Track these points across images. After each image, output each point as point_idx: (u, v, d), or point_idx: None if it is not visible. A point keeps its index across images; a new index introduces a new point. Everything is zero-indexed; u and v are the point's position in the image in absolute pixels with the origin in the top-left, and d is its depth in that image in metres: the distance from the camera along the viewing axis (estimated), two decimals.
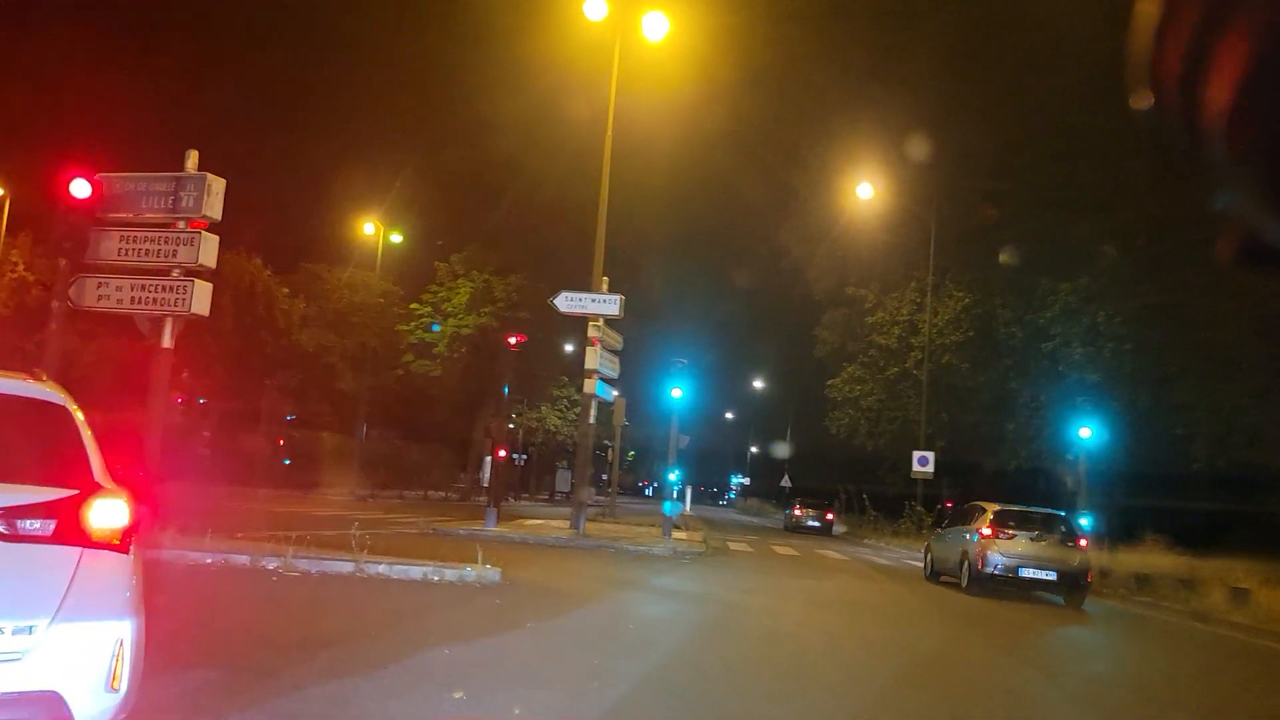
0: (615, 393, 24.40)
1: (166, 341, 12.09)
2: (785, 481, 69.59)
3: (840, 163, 40.29)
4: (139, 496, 3.92)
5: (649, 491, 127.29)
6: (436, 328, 50.88)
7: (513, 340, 21.92)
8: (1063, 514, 18.22)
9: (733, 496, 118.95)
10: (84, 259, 12.29)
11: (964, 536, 17.24)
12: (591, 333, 21.45)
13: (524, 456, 64.22)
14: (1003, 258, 35.56)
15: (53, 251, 11.71)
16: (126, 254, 12.29)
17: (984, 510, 17.33)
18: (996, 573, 16.11)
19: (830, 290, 45.96)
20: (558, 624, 9.08)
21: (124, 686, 3.59)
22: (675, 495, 24.60)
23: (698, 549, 21.17)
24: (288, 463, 43.05)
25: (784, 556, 23.78)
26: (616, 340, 22.53)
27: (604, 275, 22.35)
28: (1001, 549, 16.16)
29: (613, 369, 22.41)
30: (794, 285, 50.18)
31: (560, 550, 19.13)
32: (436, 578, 11.45)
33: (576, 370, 60.54)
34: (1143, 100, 1.17)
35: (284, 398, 41.70)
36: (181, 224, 12.09)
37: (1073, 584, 16.05)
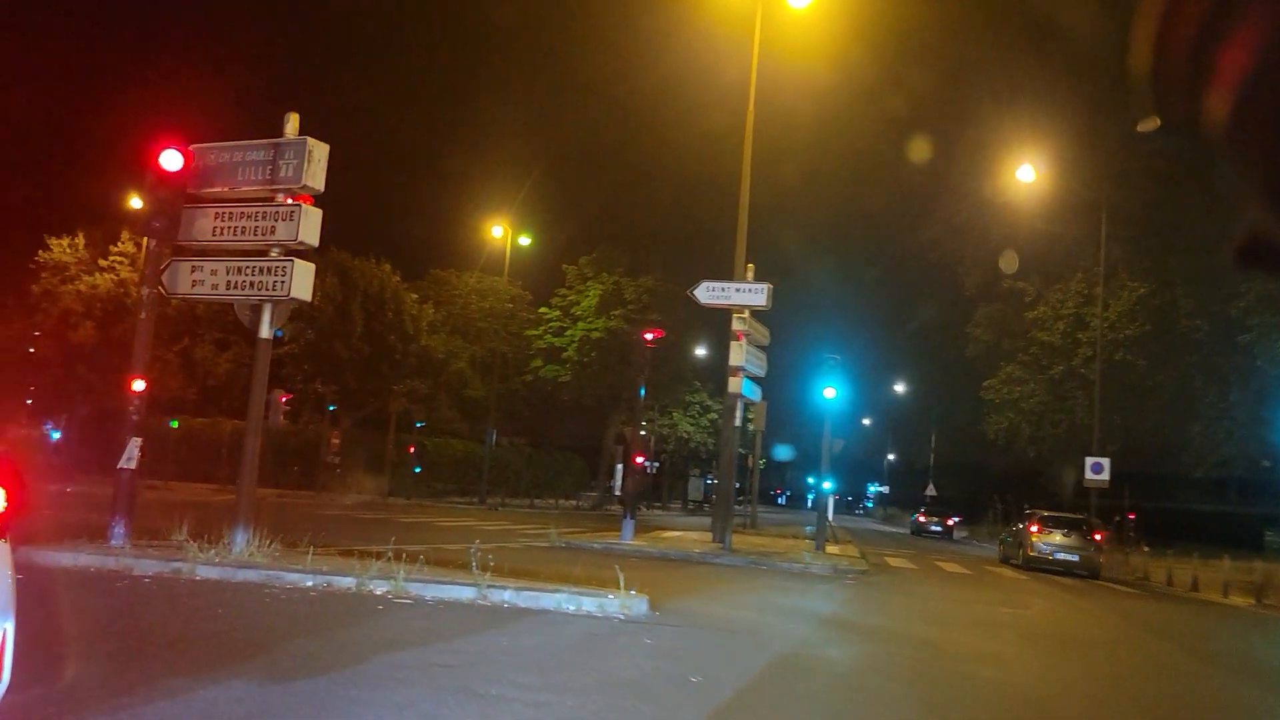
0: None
1: (264, 331, 10.59)
2: (930, 490, 65.94)
3: (997, 145, 37.03)
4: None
5: (782, 499, 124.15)
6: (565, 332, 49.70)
7: (649, 336, 20.00)
8: (1083, 517, 26.09)
9: (870, 506, 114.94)
10: (176, 239, 10.92)
11: (1020, 532, 25.59)
12: (736, 326, 19.34)
13: (656, 464, 62.43)
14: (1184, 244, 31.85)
15: (142, 231, 10.32)
16: (221, 233, 10.87)
17: (1031, 514, 26.06)
18: (1038, 555, 23.91)
19: (983, 284, 42.56)
20: (730, 679, 7.00)
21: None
22: (828, 505, 22.20)
23: (859, 566, 18.79)
24: (418, 471, 42.33)
25: (954, 575, 21.14)
26: (764, 335, 20.36)
27: (749, 263, 20.23)
28: (1043, 540, 24.08)
29: (760, 366, 20.25)
30: (941, 279, 46.97)
31: (707, 568, 17.06)
32: (572, 607, 9.53)
33: (708, 375, 58.74)
34: (1149, 123, 1.21)
35: (413, 404, 40.92)
36: (281, 196, 10.58)
37: (1089, 565, 23.77)
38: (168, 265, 11.07)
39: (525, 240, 46.26)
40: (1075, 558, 23.45)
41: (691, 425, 62.81)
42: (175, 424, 36.35)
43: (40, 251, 40.68)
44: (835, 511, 71.65)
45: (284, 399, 13.71)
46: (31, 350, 42.33)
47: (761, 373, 20.43)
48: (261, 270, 10.50)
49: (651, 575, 14.79)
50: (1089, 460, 32.69)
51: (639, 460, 20.32)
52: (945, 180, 42.83)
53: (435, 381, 45.78)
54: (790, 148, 30.45)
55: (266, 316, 10.56)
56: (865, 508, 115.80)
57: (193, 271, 10.96)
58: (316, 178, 10.51)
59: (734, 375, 19.25)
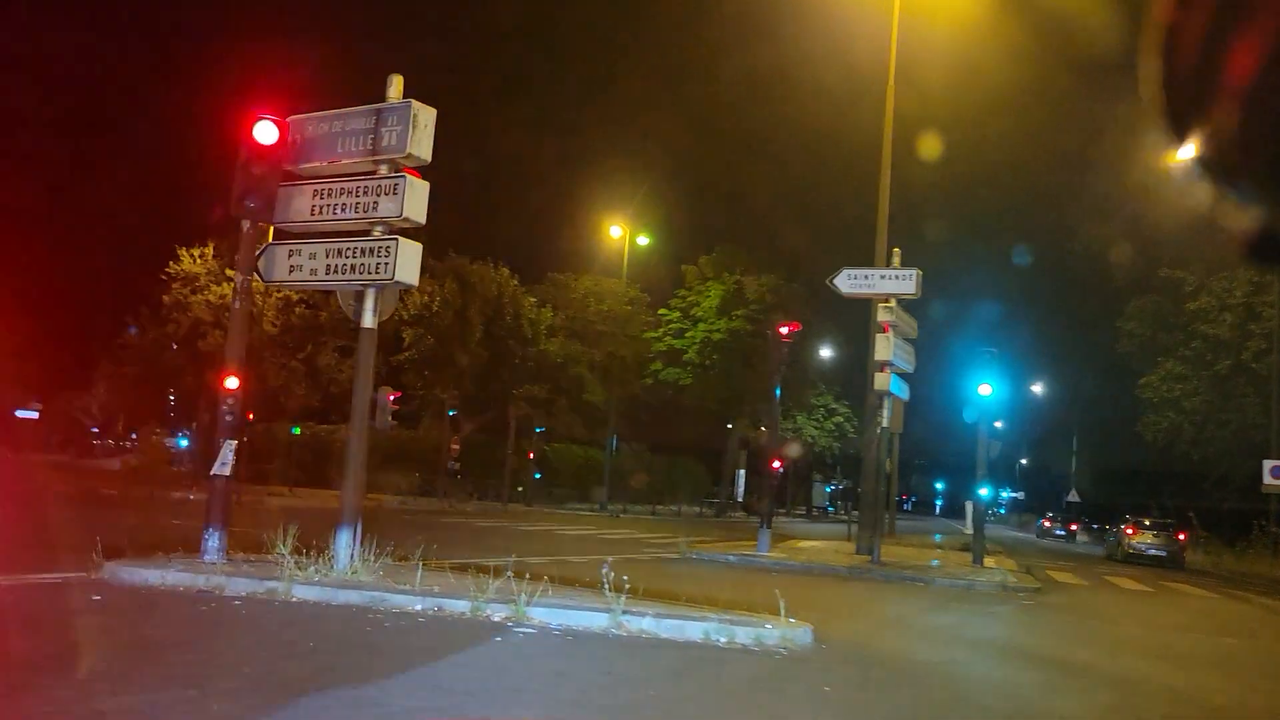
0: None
1: (368, 319, 9.38)
2: (1072, 496, 62.02)
3: (1150, 122, 33.89)
4: None
5: (908, 505, 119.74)
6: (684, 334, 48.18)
7: (785, 329, 18.28)
8: (1170, 520, 31.97)
9: (1002, 511, 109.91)
10: (272, 220, 9.84)
11: (1119, 533, 31.87)
12: (882, 316, 17.49)
13: (780, 469, 60.35)
14: None
15: (235, 212, 9.23)
16: (320, 211, 9.73)
17: (1128, 518, 31.91)
18: (1133, 552, 30.06)
19: (1137, 274, 39.28)
20: None
21: None
22: (980, 514, 20.08)
23: (1028, 583, 16.67)
24: (538, 477, 41.48)
25: (1133, 592, 18.77)
26: (911, 326, 18.44)
27: (894, 248, 18.37)
28: (1137, 540, 30.47)
29: (908, 361, 18.34)
30: (1085, 270, 43.74)
31: (860, 586, 15.27)
32: (723, 639, 7.98)
33: (833, 377, 56.46)
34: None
35: (532, 409, 40.08)
36: (384, 168, 9.37)
37: (1174, 560, 29.70)
38: (264, 250, 10.01)
39: (643, 240, 45.00)
40: (1163, 553, 29.94)
41: (816, 429, 60.55)
42: (298, 430, 36.29)
43: (170, 263, 41.37)
44: (959, 517, 68.21)
45: (392, 396, 12.57)
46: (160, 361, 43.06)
47: (910, 367, 18.51)
48: (363, 252, 9.31)
49: (801, 594, 13.13)
50: (1267, 464, 29.50)
51: (776, 465, 18.66)
52: (1092, 161, 39.71)
53: (554, 386, 44.96)
54: (934, 126, 28.23)
55: (370, 303, 9.36)
56: (998, 513, 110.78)
57: (290, 256, 9.86)
58: (422, 146, 9.26)
59: (880, 371, 17.40)
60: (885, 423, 17.54)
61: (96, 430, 65.36)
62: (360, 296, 9.52)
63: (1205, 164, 1.20)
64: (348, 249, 9.49)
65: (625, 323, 47.74)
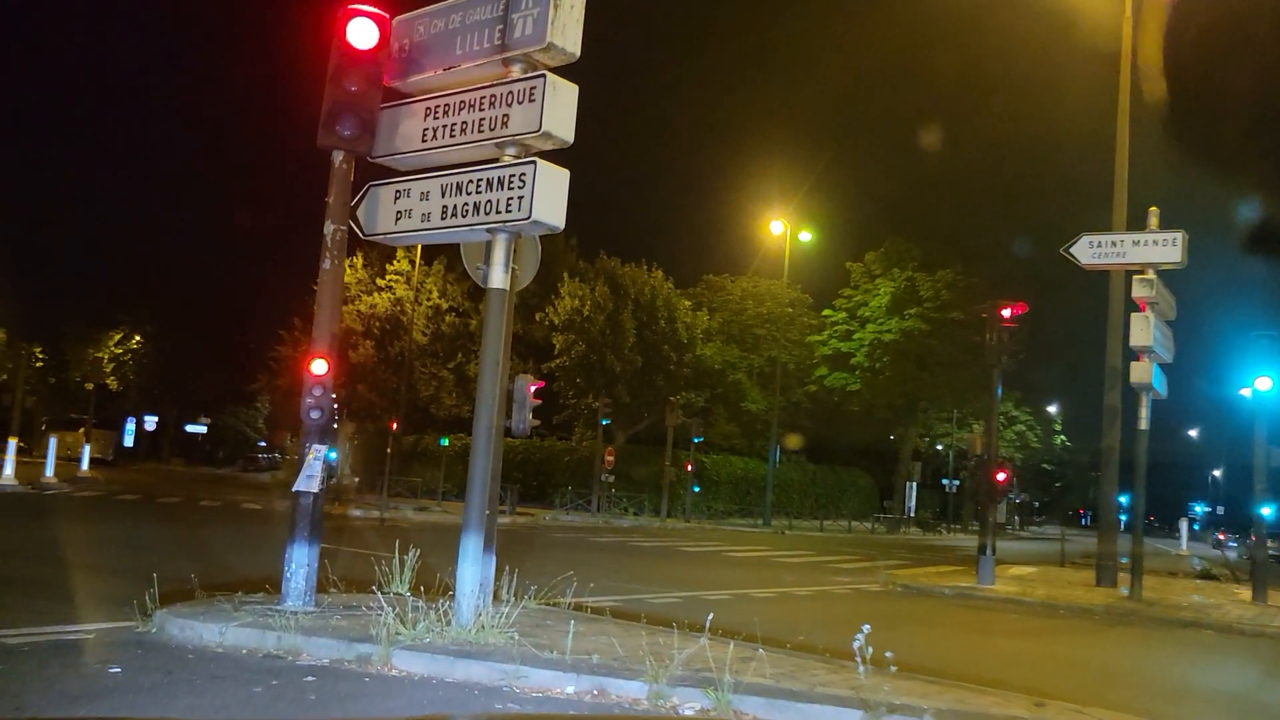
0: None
1: (497, 276, 6.80)
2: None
3: None
4: None
5: (1085, 520, 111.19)
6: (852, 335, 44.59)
7: (1007, 311, 14.92)
8: None
9: (1196, 529, 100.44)
10: (370, 150, 7.40)
11: None
12: (1139, 292, 13.92)
13: (955, 482, 55.75)
14: None
15: (323, 141, 6.82)
16: (435, 136, 7.24)
17: None
18: None
19: None
20: None
21: None
22: (1265, 537, 16.11)
23: None
24: (696, 490, 38.76)
25: None
26: (1171, 305, 14.77)
27: (1151, 207, 14.74)
28: None
29: (1168, 349, 14.70)
30: None
31: (1128, 633, 11.84)
32: None
33: (1012, 382, 51.50)
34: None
35: (689, 418, 37.40)
36: (516, 68, 6.80)
37: None
38: (364, 194, 7.60)
39: (806, 236, 41.64)
40: None
41: (966, 439, 55.61)
42: (446, 441, 34.71)
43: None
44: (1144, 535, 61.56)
45: (534, 387, 10.10)
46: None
47: (1170, 357, 14.85)
48: (490, 184, 6.77)
49: (1065, 651, 9.89)
50: None
51: (1001, 478, 15.29)
52: None
53: (711, 393, 42.25)
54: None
55: (500, 253, 6.79)
56: (1192, 530, 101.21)
57: (396, 199, 7.42)
58: (567, 34, 6.66)
59: (1138, 359, 13.84)
60: (1145, 423, 13.94)
61: (262, 444, 66.50)
62: (488, 247, 6.97)
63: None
64: (470, 183, 6.95)
65: (786, 326, 44.57)
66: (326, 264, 7.25)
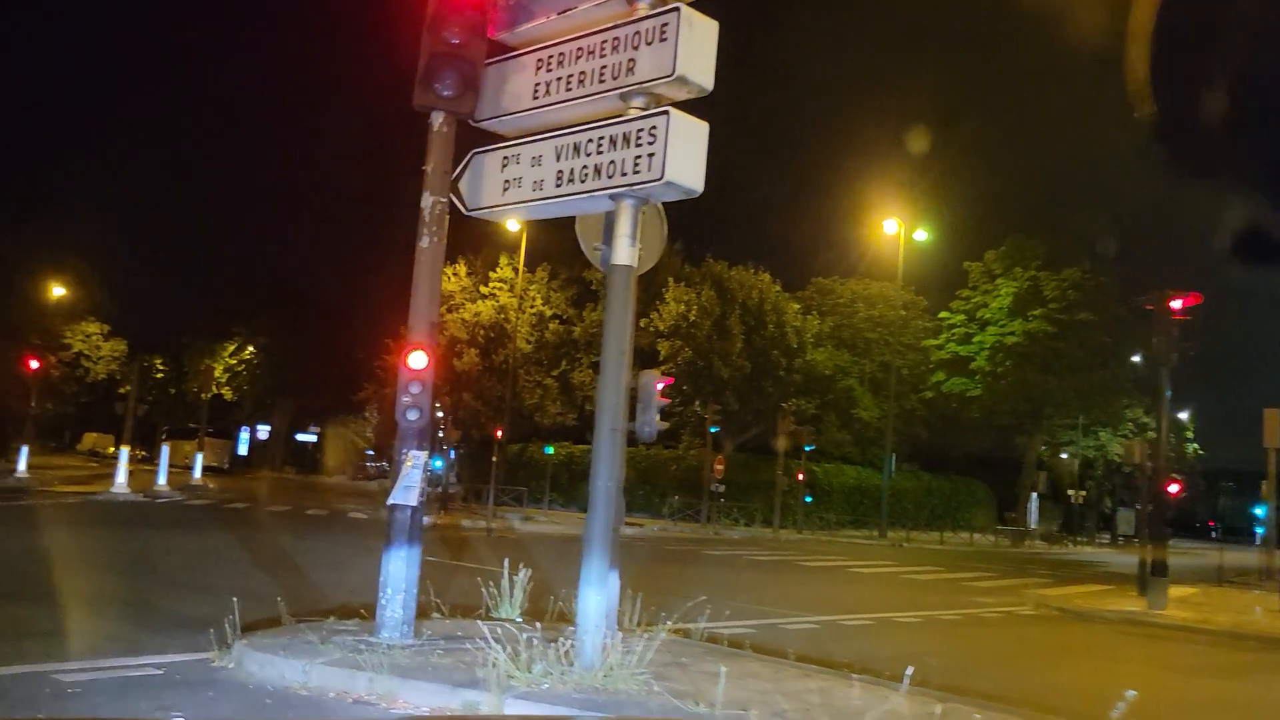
0: None
1: (622, 251, 5.72)
2: None
3: None
4: None
5: (1214, 533, 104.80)
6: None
7: (1177, 303, 13.24)
8: None
9: (1261, 532, 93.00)
10: (473, 112, 6.42)
11: None
12: None
13: (1082, 492, 52.71)
14: None
15: (420, 100, 5.87)
16: (548, 91, 6.24)
17: None
18: None
19: None
20: None
21: None
22: None
23: None
24: (809, 500, 37.24)
25: None
26: None
27: None
28: None
29: None
30: None
31: None
32: None
33: (1145, 388, 48.40)
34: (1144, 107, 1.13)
35: (799, 425, 35.95)
36: (643, 3, 5.75)
37: None
38: (467, 162, 6.64)
39: (921, 235, 39.70)
40: None
41: (1123, 447, 52.40)
42: (551, 450, 34.01)
43: None
44: (1187, 540, 57.31)
45: (661, 384, 9.16)
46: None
47: None
48: (614, 142, 5.74)
49: None
50: None
51: (1173, 489, 13.61)
52: None
53: (822, 400, 40.66)
54: None
55: (626, 224, 5.73)
56: (1257, 537, 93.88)
57: (504, 166, 6.44)
58: None
59: None
60: None
61: (370, 452, 67.28)
62: (609, 220, 5.92)
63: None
64: (590, 142, 5.91)
65: (899, 329, 42.68)
66: (424, 241, 6.29)
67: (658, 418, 6.92)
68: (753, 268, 38.46)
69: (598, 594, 5.53)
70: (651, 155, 5.58)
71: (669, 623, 6.63)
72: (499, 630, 5.52)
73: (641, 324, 36.31)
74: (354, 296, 53.83)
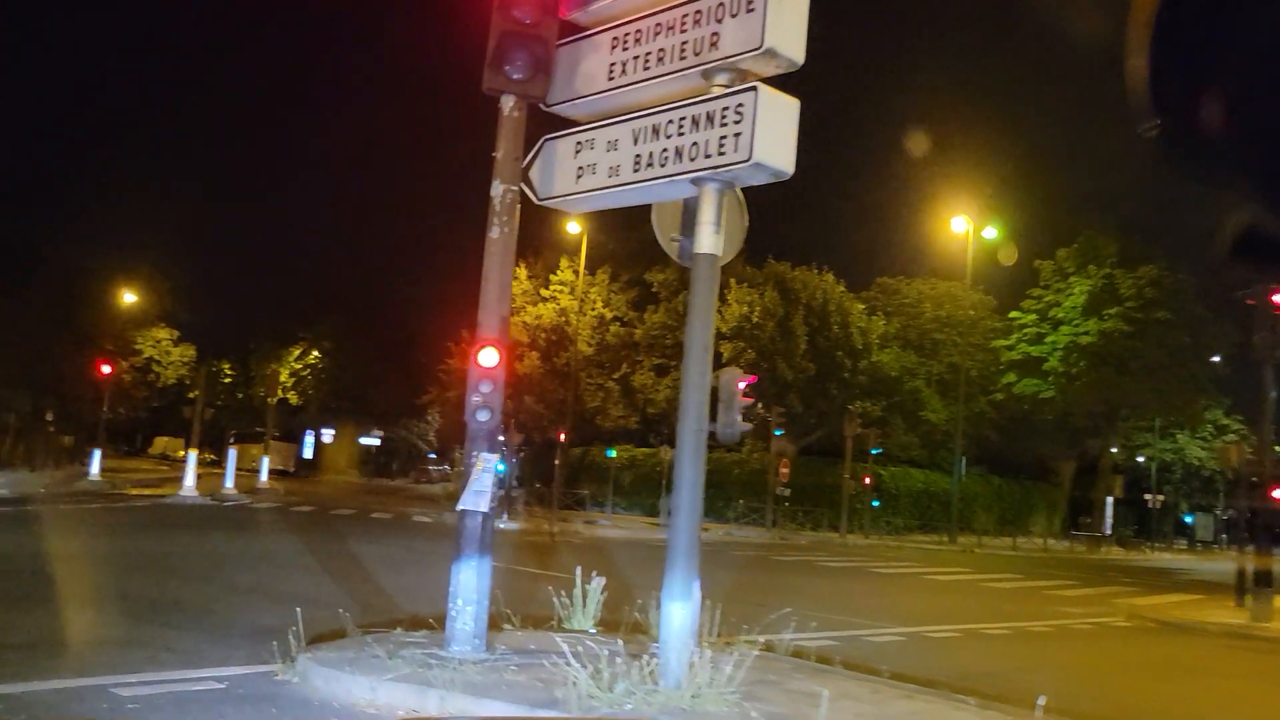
0: None
1: (706, 239, 5.34)
2: None
3: None
4: None
5: None
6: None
7: (1279, 297, 12.47)
8: None
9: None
10: (545, 95, 6.07)
11: None
12: None
13: (1159, 497, 51.01)
14: None
15: (490, 84, 5.53)
16: (624, 71, 5.87)
17: None
18: None
19: None
20: None
21: None
22: None
23: None
24: (876, 505, 36.44)
25: None
26: None
27: None
28: None
29: None
30: None
31: None
32: None
33: (1227, 387, 46.65)
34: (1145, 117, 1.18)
35: (865, 428, 35.20)
36: None
37: None
38: (538, 149, 6.31)
39: (991, 233, 38.59)
40: None
41: (1203, 450, 50.68)
42: (614, 453, 33.71)
43: None
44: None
45: (744, 383, 8.59)
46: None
47: None
48: (696, 122, 5.35)
49: None
50: None
51: (1279, 494, 12.82)
52: None
53: (888, 402, 39.77)
54: None
55: (709, 209, 5.34)
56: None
57: (578, 152, 6.09)
58: None
59: None
60: None
61: (433, 455, 67.69)
62: (689, 207, 5.54)
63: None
64: (670, 123, 5.53)
65: (968, 329, 41.59)
66: (494, 232, 5.96)
67: (740, 419, 6.51)
68: (816, 268, 37.81)
69: (682, 607, 5.14)
70: (738, 135, 5.17)
71: (752, 635, 6.22)
72: (577, 645, 5.15)
73: None
74: (418, 300, 54.18)
